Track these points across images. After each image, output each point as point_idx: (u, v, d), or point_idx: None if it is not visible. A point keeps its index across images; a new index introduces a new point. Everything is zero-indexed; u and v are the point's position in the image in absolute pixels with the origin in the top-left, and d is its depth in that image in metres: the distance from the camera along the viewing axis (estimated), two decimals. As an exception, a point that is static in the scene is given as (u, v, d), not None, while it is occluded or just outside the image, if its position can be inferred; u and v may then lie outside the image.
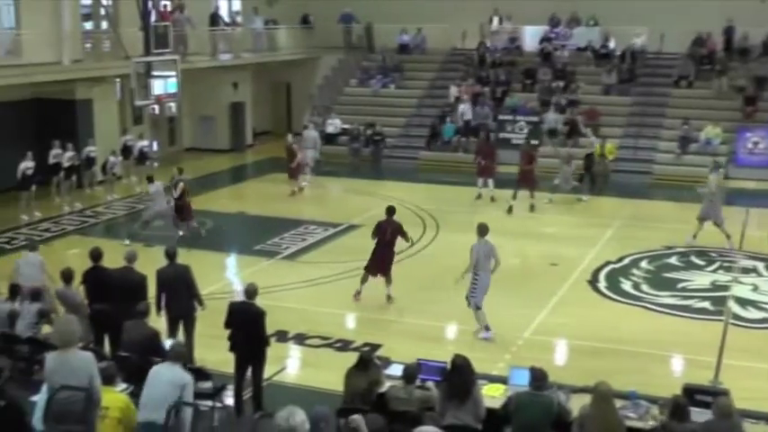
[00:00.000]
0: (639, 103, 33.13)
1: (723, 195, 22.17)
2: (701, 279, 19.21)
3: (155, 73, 24.45)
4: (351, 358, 11.41)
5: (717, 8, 32.39)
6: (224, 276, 20.03)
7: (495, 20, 37.11)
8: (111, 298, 13.07)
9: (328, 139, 33.63)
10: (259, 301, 12.17)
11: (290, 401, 6.78)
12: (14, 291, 13.63)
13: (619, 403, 9.86)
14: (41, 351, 11.38)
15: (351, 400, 10.45)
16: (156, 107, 25.26)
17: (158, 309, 13.23)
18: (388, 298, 17.41)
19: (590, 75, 34.51)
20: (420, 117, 34.58)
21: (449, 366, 10.25)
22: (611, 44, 35.03)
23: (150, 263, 14.20)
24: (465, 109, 33.08)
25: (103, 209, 25.85)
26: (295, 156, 27.49)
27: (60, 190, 26.22)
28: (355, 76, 38.18)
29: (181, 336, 13.29)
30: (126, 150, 29.17)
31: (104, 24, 30.68)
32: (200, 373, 11.10)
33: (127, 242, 20.74)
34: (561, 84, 33.78)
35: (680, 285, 18.79)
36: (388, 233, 17.39)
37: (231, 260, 21.68)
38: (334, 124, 34.13)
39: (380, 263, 17.43)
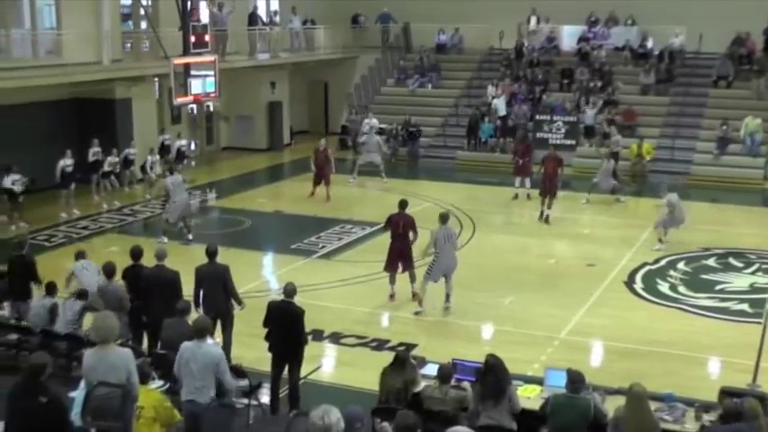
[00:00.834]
0: (677, 104, 32.84)
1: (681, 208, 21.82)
2: (740, 281, 19.06)
3: (193, 72, 24.65)
4: (386, 357, 11.46)
5: (756, 8, 32.04)
6: (261, 275, 20.14)
7: (533, 19, 37.00)
8: (147, 295, 13.20)
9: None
10: (296, 300, 12.22)
11: (326, 400, 6.80)
12: (51, 288, 13.77)
13: (654, 405, 9.84)
14: (80, 347, 11.52)
15: (386, 399, 10.50)
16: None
17: (196, 305, 13.31)
18: (414, 295, 17.33)
19: (628, 75, 34.27)
20: (457, 117, 34.51)
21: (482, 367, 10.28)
22: (650, 44, 34.74)
23: (191, 260, 14.31)
24: (499, 104, 33.05)
25: (141, 207, 26.04)
26: (329, 161, 27.11)
27: (99, 188, 26.47)
28: (392, 76, 38.24)
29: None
30: (164, 149, 29.39)
31: (143, 24, 30.95)
32: (236, 372, 11.17)
33: (164, 239, 20.91)
34: (599, 83, 33.59)
35: (718, 287, 18.65)
36: (400, 226, 17.43)
37: (268, 259, 21.81)
38: (371, 124, 34.17)
39: (398, 257, 17.45)
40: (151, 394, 9.17)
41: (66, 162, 24.49)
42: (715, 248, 21.41)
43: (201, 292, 13.43)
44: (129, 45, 30.30)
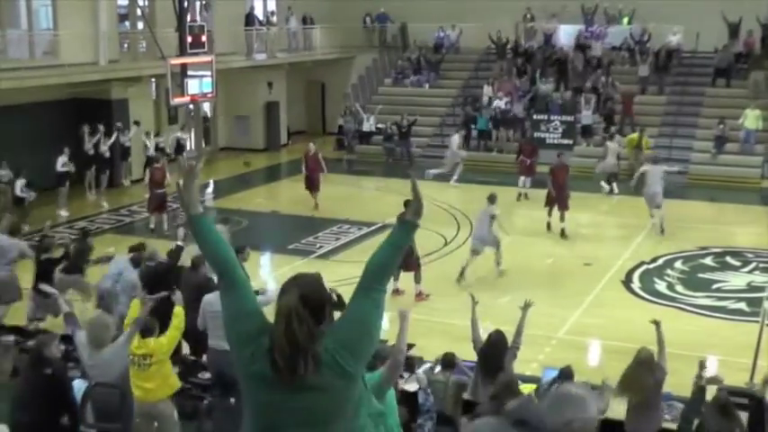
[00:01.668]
0: (674, 102, 32.82)
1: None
2: (737, 280, 19.08)
3: (190, 72, 24.66)
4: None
5: (756, 7, 31.96)
6: (258, 275, 20.10)
7: (530, 18, 36.97)
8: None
9: (363, 137, 33.88)
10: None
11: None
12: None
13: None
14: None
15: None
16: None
17: None
18: (418, 296, 17.34)
19: (625, 74, 34.16)
20: (455, 116, 34.45)
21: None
22: (646, 37, 34.38)
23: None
24: (499, 104, 33.05)
25: (138, 207, 25.96)
26: (320, 164, 26.03)
27: (93, 185, 26.54)
28: (390, 76, 38.24)
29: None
30: (180, 148, 29.38)
31: (140, 25, 30.96)
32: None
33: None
34: (598, 71, 33.43)
35: (715, 286, 18.68)
36: None
37: (266, 259, 21.79)
38: (368, 123, 34.15)
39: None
40: (158, 341, 9.70)
41: (64, 160, 24.57)
42: (712, 247, 21.43)
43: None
44: (125, 45, 30.34)
